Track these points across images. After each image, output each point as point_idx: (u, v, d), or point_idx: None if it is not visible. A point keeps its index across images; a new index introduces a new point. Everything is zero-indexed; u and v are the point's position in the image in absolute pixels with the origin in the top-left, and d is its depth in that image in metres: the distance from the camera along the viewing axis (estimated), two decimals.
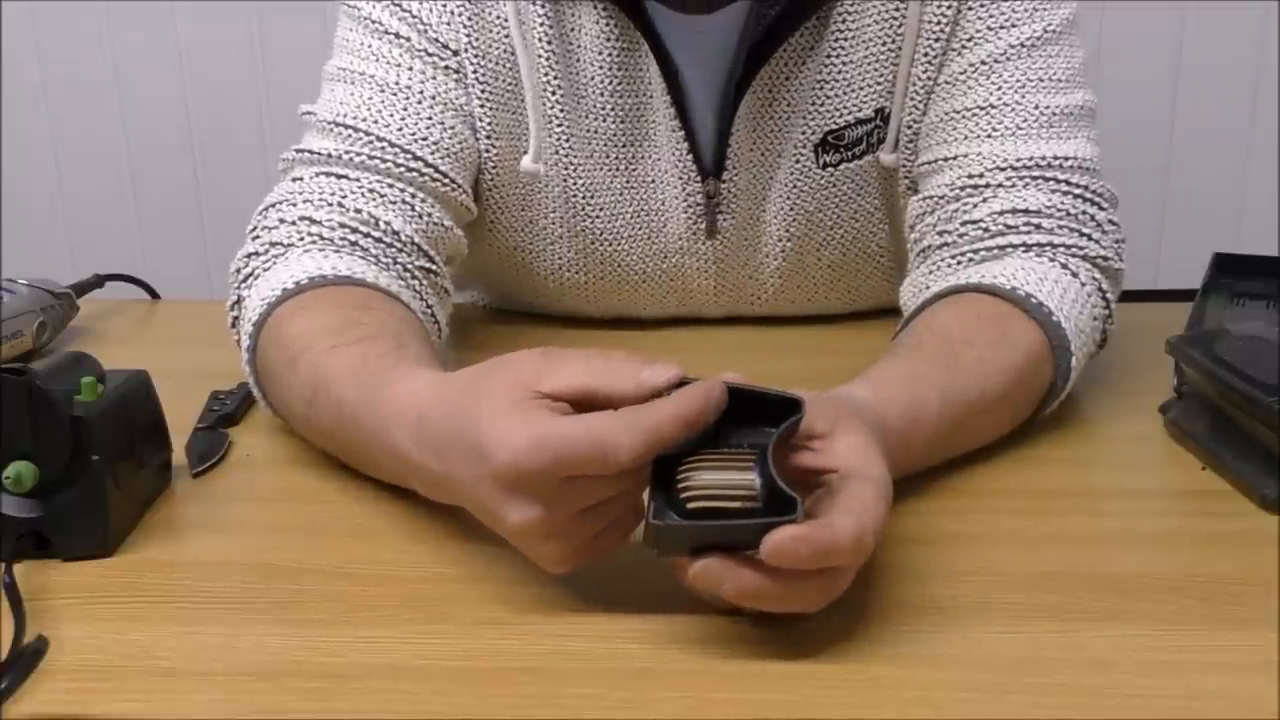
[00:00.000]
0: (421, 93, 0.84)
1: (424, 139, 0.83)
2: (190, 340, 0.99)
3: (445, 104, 0.85)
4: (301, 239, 0.79)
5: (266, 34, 1.61)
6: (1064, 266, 0.79)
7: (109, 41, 1.62)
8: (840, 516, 0.52)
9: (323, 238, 0.79)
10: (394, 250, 0.80)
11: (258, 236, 0.81)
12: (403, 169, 0.82)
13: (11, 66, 1.63)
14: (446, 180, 0.84)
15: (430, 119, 0.84)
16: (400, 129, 0.83)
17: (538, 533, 0.54)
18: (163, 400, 0.69)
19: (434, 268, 0.83)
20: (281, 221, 0.80)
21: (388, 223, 0.80)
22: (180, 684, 0.52)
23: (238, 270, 0.80)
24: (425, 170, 0.83)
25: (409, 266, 0.81)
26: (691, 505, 0.51)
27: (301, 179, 0.83)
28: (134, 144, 1.67)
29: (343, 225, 0.79)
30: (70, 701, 0.51)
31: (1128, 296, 0.84)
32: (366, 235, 0.80)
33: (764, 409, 0.54)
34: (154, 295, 1.11)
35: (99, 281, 1.05)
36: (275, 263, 0.78)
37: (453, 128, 0.85)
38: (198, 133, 1.66)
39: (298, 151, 0.85)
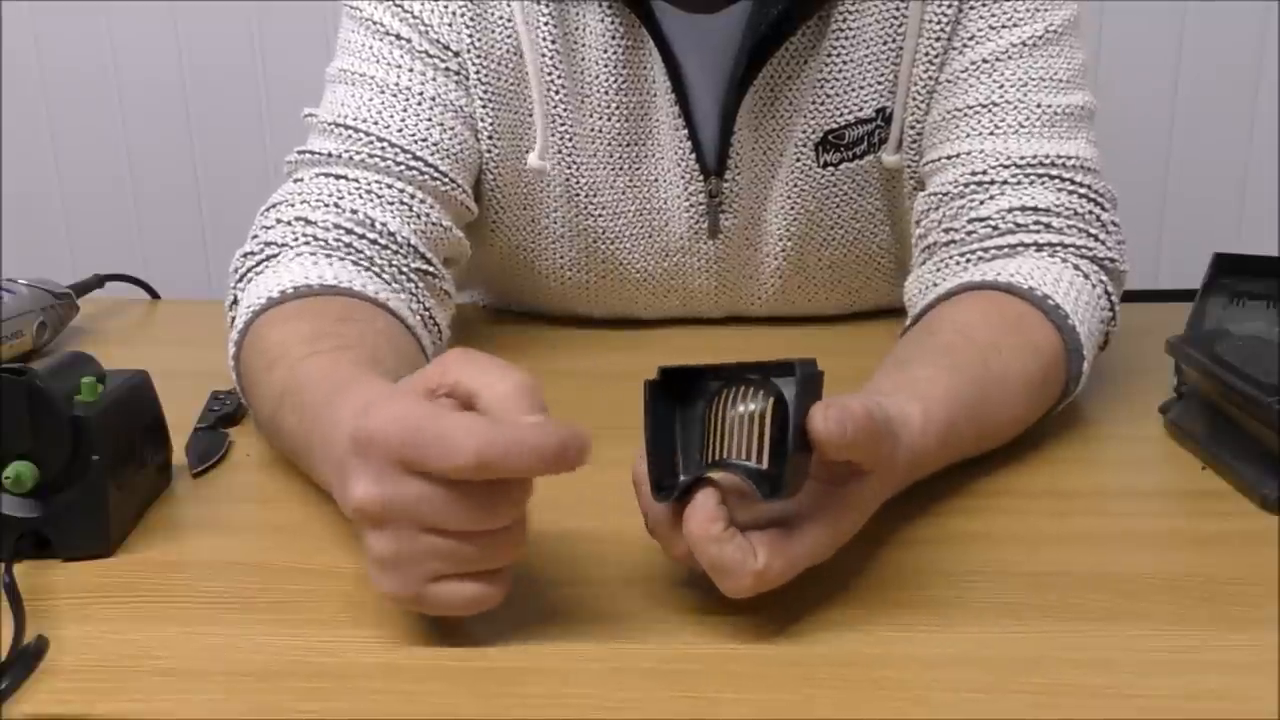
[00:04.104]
0: (421, 94, 0.84)
1: (424, 139, 0.83)
2: (190, 340, 0.99)
3: (445, 105, 0.85)
4: (296, 239, 0.79)
5: (266, 34, 1.61)
6: (1076, 268, 0.79)
7: (109, 41, 1.62)
8: (759, 556, 0.52)
9: (316, 239, 0.79)
10: (389, 252, 0.80)
11: (255, 236, 0.81)
12: (402, 168, 0.82)
13: (11, 66, 1.63)
14: (446, 180, 0.84)
15: (430, 120, 0.84)
16: (400, 130, 0.83)
17: (374, 514, 0.50)
18: (163, 400, 0.69)
19: (431, 269, 0.83)
20: (278, 221, 0.80)
21: (384, 224, 0.80)
22: (180, 684, 0.52)
23: (235, 270, 0.80)
24: (425, 170, 0.83)
25: (404, 269, 0.81)
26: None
27: (302, 180, 0.83)
28: (134, 144, 1.67)
29: (338, 226, 0.79)
30: (70, 701, 0.51)
31: (1128, 296, 0.84)
32: (362, 237, 0.79)
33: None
34: (154, 295, 1.11)
35: (99, 281, 1.05)
36: (268, 266, 0.78)
37: (452, 129, 0.85)
38: (198, 133, 1.66)
39: (300, 153, 0.85)
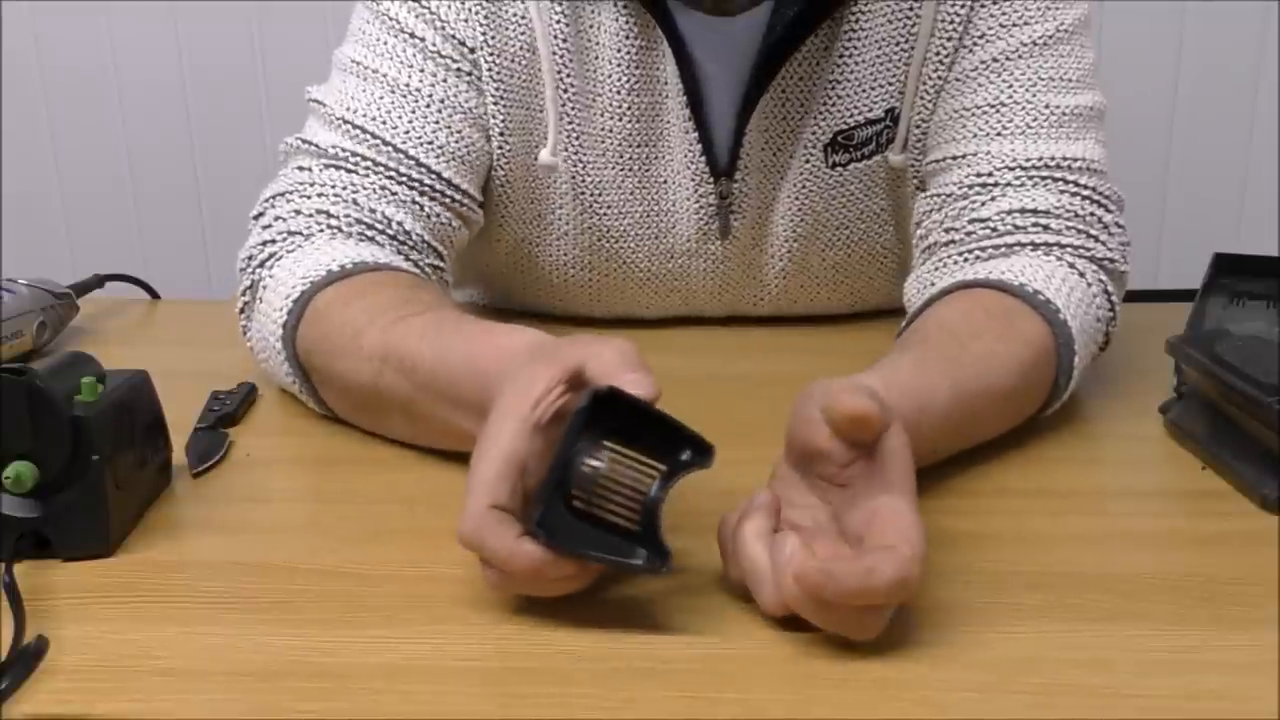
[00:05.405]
0: (431, 96, 0.84)
1: (429, 144, 0.84)
2: (190, 340, 0.99)
3: (454, 108, 0.85)
4: (321, 229, 0.80)
5: (266, 34, 1.61)
6: (1071, 266, 0.79)
7: (109, 41, 1.62)
8: (883, 558, 0.51)
9: (341, 231, 0.80)
10: (406, 248, 0.82)
11: (270, 225, 0.81)
12: (406, 176, 0.83)
13: (11, 66, 1.63)
14: (450, 187, 0.85)
15: (437, 124, 0.84)
16: (407, 132, 0.83)
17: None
18: (163, 400, 0.69)
19: (442, 264, 0.84)
20: (297, 213, 0.81)
21: (400, 222, 0.81)
22: (180, 684, 0.52)
23: (250, 256, 0.81)
24: (428, 178, 0.84)
25: (420, 264, 0.82)
26: (575, 500, 0.53)
27: (310, 169, 0.83)
28: (134, 144, 1.67)
29: (359, 221, 0.81)
30: (70, 701, 0.51)
31: (1128, 296, 0.84)
32: (382, 233, 0.81)
33: (679, 440, 0.55)
34: (154, 295, 1.11)
35: (99, 281, 1.05)
36: (300, 247, 0.79)
37: (459, 132, 0.85)
38: (198, 132, 1.66)
39: (304, 141, 0.85)
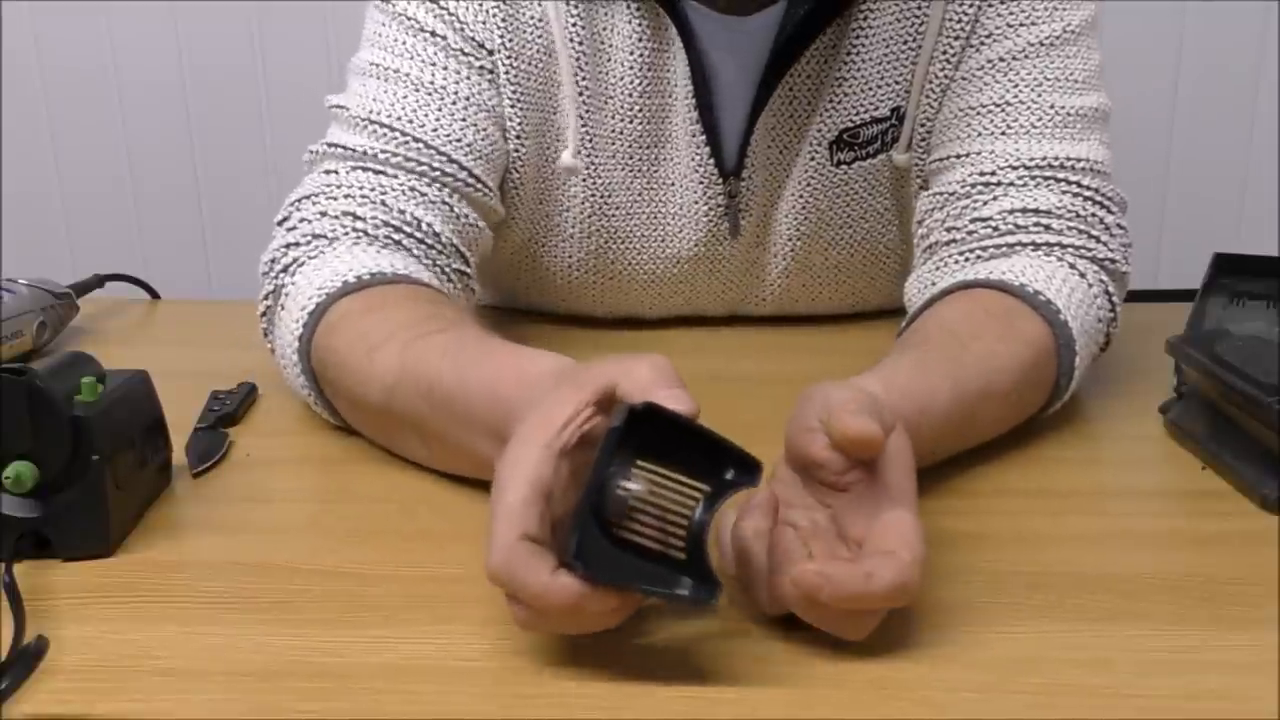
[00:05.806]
0: (456, 93, 0.84)
1: (457, 140, 0.83)
2: (190, 340, 0.99)
3: (478, 105, 0.85)
4: (347, 233, 0.79)
5: (266, 34, 1.61)
6: (1071, 266, 0.79)
7: (109, 41, 1.62)
8: (883, 564, 0.51)
9: (367, 234, 0.79)
10: (434, 252, 0.81)
11: (295, 228, 0.80)
12: (438, 172, 0.82)
13: (11, 66, 1.63)
14: (479, 184, 0.84)
15: (464, 120, 0.84)
16: (435, 129, 0.83)
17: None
18: (163, 400, 0.69)
19: (468, 269, 0.84)
20: (323, 215, 0.80)
21: (429, 224, 0.81)
22: (180, 684, 0.52)
23: (274, 260, 0.80)
24: (460, 174, 0.83)
25: (446, 269, 0.81)
26: (612, 527, 0.50)
27: (336, 172, 0.82)
28: (134, 144, 1.66)
29: (387, 224, 0.80)
30: (70, 701, 0.51)
31: (1128, 296, 0.84)
32: (410, 235, 0.80)
33: (723, 458, 0.52)
34: (154, 295, 1.11)
35: (99, 281, 1.05)
36: (321, 254, 0.78)
37: (484, 129, 0.85)
38: (198, 133, 1.66)
39: (329, 145, 0.84)
